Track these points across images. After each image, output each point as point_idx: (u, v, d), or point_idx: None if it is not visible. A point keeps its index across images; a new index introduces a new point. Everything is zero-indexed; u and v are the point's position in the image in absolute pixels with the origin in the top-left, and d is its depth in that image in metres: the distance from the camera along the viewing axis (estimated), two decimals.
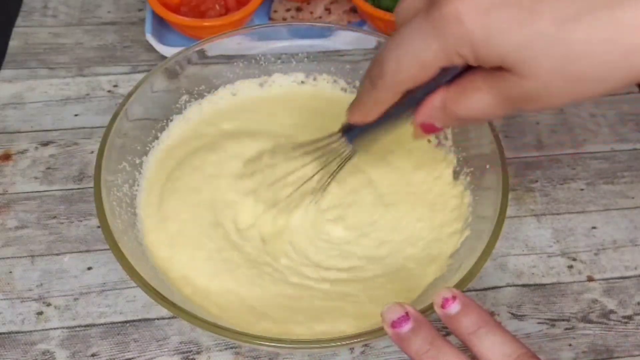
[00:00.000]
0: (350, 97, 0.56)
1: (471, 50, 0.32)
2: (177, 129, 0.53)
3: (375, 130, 0.42)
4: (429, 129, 0.38)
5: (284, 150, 0.49)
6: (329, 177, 0.47)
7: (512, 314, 0.48)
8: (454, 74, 0.35)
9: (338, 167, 0.46)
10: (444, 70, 0.34)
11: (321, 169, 0.47)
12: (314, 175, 0.47)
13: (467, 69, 0.35)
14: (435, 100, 0.36)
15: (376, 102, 0.38)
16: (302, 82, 0.57)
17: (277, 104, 0.56)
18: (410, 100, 0.37)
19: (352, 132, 0.43)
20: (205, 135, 0.53)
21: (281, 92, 0.57)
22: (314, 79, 0.57)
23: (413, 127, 0.39)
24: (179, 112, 0.53)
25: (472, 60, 0.32)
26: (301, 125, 0.53)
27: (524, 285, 0.49)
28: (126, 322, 0.47)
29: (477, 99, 0.34)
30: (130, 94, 0.48)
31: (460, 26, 0.31)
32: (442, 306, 0.35)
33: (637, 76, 0.31)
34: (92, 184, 0.43)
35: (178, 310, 0.38)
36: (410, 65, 0.34)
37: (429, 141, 0.52)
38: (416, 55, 0.34)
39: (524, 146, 0.58)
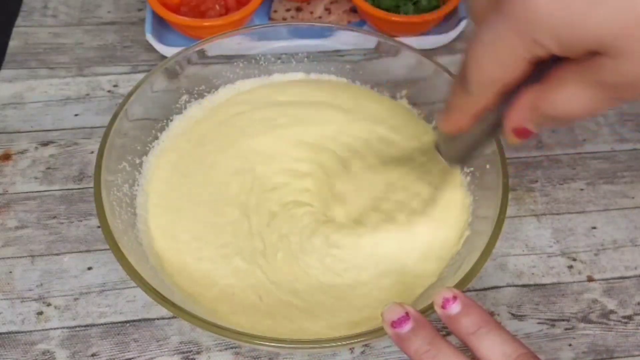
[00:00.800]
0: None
1: (553, 37, 0.29)
2: (182, 124, 0.53)
3: (470, 142, 0.39)
4: (523, 133, 0.36)
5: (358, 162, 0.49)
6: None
7: (512, 314, 0.48)
8: (541, 71, 0.32)
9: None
10: (535, 67, 0.32)
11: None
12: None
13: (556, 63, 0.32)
14: (524, 102, 0.34)
15: (467, 107, 0.36)
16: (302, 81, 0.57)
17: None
18: (502, 107, 0.35)
19: (446, 147, 0.42)
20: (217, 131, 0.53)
21: (282, 92, 0.57)
22: (314, 79, 0.57)
23: (506, 134, 0.37)
24: (179, 112, 0.53)
25: (556, 48, 0.30)
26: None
27: (524, 286, 0.49)
28: (126, 322, 0.47)
29: (569, 93, 0.32)
30: (130, 94, 0.48)
31: (535, 12, 0.29)
32: (443, 306, 0.35)
33: None
34: (92, 184, 0.43)
35: (178, 310, 0.38)
36: (490, 66, 0.32)
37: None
38: (494, 53, 0.32)
39: (524, 146, 0.58)
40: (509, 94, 0.34)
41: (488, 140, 0.39)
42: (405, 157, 0.47)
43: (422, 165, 0.45)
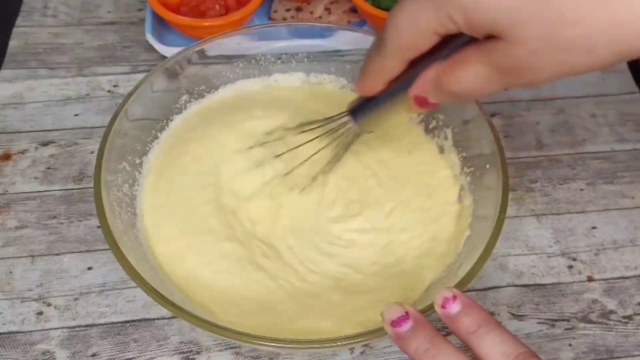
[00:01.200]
0: (350, 95, 0.57)
1: (462, 15, 0.32)
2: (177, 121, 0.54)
3: (378, 107, 0.42)
4: (422, 102, 0.39)
5: (289, 130, 0.50)
6: (333, 158, 0.48)
7: (512, 314, 0.48)
8: (452, 49, 0.35)
9: (342, 147, 0.47)
10: (443, 42, 0.35)
11: (324, 147, 0.48)
12: (317, 152, 0.48)
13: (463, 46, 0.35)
14: (429, 74, 0.37)
15: (380, 70, 0.39)
16: (302, 81, 0.57)
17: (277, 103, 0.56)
18: (411, 76, 0.38)
19: (357, 111, 0.44)
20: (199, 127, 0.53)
21: (281, 92, 0.57)
22: (314, 79, 0.57)
23: (408, 101, 0.40)
24: (179, 112, 0.53)
25: (464, 26, 0.33)
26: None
27: (524, 286, 0.49)
28: (126, 322, 0.47)
29: (469, 72, 0.35)
30: (130, 94, 0.48)
31: None
32: (443, 306, 0.35)
33: (622, 52, 0.31)
34: (92, 184, 0.43)
35: (178, 310, 0.38)
36: (408, 32, 0.35)
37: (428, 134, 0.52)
38: (413, 21, 0.34)
39: (524, 146, 0.58)
40: (415, 64, 0.37)
41: (395, 106, 0.41)
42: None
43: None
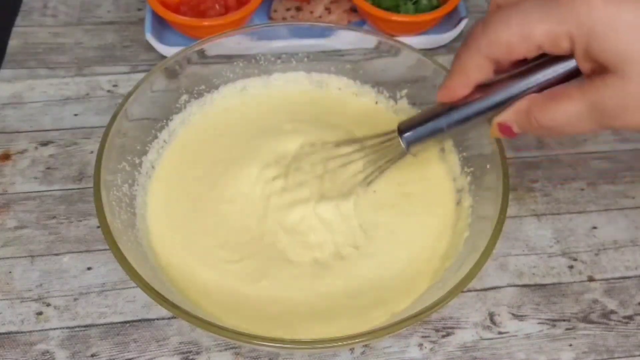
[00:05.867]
0: (350, 95, 0.57)
1: (586, 39, 0.30)
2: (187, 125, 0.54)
3: (441, 132, 0.41)
4: (506, 131, 0.38)
5: (324, 145, 0.49)
6: (372, 173, 0.47)
7: (512, 314, 0.48)
8: (547, 81, 0.35)
9: (379, 167, 0.46)
10: (539, 69, 0.34)
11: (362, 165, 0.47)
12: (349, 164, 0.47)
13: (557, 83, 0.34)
14: (522, 104, 0.36)
15: (466, 69, 0.37)
16: (303, 82, 0.57)
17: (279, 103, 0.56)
18: (490, 102, 0.37)
19: (410, 132, 0.43)
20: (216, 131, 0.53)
21: (282, 91, 0.57)
22: (315, 79, 0.57)
23: (492, 125, 0.39)
24: (179, 111, 0.53)
25: (581, 50, 0.31)
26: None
27: (524, 286, 0.49)
28: (126, 322, 0.47)
29: (566, 108, 0.33)
30: (130, 94, 0.48)
31: (587, 10, 0.30)
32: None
33: None
34: (91, 184, 0.43)
35: (178, 311, 0.38)
36: (514, 30, 0.33)
37: None
38: (525, 23, 0.33)
39: (524, 146, 0.58)
40: (493, 88, 0.37)
41: (461, 130, 0.41)
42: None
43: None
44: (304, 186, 0.48)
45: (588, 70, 0.32)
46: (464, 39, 0.37)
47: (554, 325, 0.47)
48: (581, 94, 0.33)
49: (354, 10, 0.68)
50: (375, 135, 0.46)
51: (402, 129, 0.44)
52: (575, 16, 0.31)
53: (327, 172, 0.48)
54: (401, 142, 0.44)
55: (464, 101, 0.39)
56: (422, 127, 0.42)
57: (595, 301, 0.49)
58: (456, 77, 0.38)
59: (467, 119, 0.40)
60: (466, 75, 0.37)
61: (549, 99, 0.34)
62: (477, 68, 0.36)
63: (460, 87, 0.38)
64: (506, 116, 0.37)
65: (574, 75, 0.35)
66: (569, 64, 0.35)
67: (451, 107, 0.40)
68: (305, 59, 0.56)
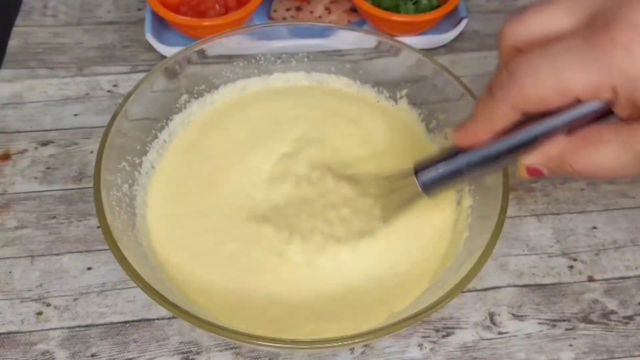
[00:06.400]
0: (349, 96, 0.57)
1: (631, 89, 0.29)
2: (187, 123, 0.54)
3: (456, 172, 0.39)
4: (535, 173, 0.36)
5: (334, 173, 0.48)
6: (385, 213, 0.45)
7: (512, 314, 0.48)
8: (575, 120, 0.33)
9: (393, 206, 0.44)
10: (568, 109, 0.32)
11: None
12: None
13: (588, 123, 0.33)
14: (553, 149, 0.34)
15: (491, 117, 0.35)
16: (303, 81, 0.57)
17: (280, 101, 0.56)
18: (517, 140, 0.35)
19: (426, 173, 0.40)
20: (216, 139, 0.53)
21: (283, 90, 0.57)
22: (315, 79, 0.57)
23: (518, 166, 0.37)
24: (179, 111, 0.53)
25: (623, 99, 0.30)
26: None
27: (524, 286, 0.49)
28: (126, 322, 0.47)
29: (603, 154, 0.32)
30: (130, 94, 0.48)
31: (630, 59, 0.29)
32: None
33: None
34: (91, 184, 0.43)
35: (178, 311, 0.38)
36: (548, 84, 0.31)
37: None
38: (560, 76, 0.31)
39: None
40: (517, 132, 0.35)
41: (472, 171, 0.39)
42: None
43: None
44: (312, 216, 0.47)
45: (626, 115, 0.31)
46: (488, 86, 0.35)
47: (554, 325, 0.47)
48: (620, 138, 0.31)
49: (354, 10, 0.68)
50: (390, 174, 0.44)
51: (418, 170, 0.41)
52: (617, 66, 0.29)
53: (337, 208, 0.47)
54: (417, 183, 0.41)
55: (485, 144, 0.37)
56: (439, 169, 0.40)
57: (595, 301, 0.49)
58: (480, 124, 0.36)
59: (489, 160, 0.37)
60: (491, 122, 0.35)
61: (583, 145, 0.33)
62: (503, 117, 0.35)
63: (483, 132, 0.36)
64: (536, 160, 0.35)
65: (604, 113, 0.33)
66: (599, 104, 0.33)
67: (471, 148, 0.38)
68: (305, 59, 0.56)
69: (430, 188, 0.41)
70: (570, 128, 0.33)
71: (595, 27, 0.30)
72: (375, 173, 0.46)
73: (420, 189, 0.41)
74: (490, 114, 0.35)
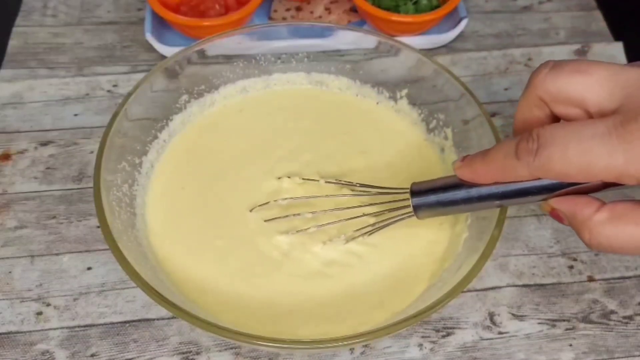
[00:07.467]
0: (350, 96, 0.57)
1: None
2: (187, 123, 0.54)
3: (451, 203, 0.39)
4: (557, 217, 0.37)
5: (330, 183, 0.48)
6: (375, 225, 0.45)
7: (512, 314, 0.48)
8: (586, 188, 0.34)
9: (386, 220, 0.44)
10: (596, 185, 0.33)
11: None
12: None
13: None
14: (580, 213, 0.34)
15: (505, 169, 0.35)
16: (303, 82, 0.57)
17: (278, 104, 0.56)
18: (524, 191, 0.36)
19: (421, 197, 0.41)
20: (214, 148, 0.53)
21: (282, 92, 0.57)
22: (315, 79, 0.57)
23: (542, 204, 0.37)
24: (179, 111, 0.53)
25: None
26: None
27: (524, 286, 0.49)
28: (126, 322, 0.47)
29: (629, 233, 0.32)
30: (130, 94, 0.48)
31: None
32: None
33: None
34: (91, 184, 0.43)
35: (178, 311, 0.38)
36: (573, 163, 0.31)
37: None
38: (589, 158, 0.31)
39: None
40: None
41: (468, 205, 0.39)
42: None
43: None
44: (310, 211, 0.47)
45: None
46: (507, 145, 0.35)
47: (554, 326, 0.47)
48: None
49: (354, 10, 0.68)
50: (386, 190, 0.45)
51: (415, 191, 0.41)
52: None
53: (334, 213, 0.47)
54: (411, 205, 0.42)
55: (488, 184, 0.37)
56: (435, 197, 0.40)
57: (595, 301, 0.49)
58: (492, 170, 0.36)
59: (488, 200, 0.38)
60: (503, 174, 0.36)
61: (610, 220, 0.33)
62: (518, 177, 0.35)
63: (491, 178, 0.37)
64: (562, 207, 0.35)
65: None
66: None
67: (471, 184, 0.38)
68: (305, 59, 0.56)
69: (423, 212, 0.42)
70: (581, 191, 0.35)
71: (627, 116, 0.31)
72: (371, 184, 0.46)
73: (412, 211, 0.42)
74: (506, 167, 0.35)
